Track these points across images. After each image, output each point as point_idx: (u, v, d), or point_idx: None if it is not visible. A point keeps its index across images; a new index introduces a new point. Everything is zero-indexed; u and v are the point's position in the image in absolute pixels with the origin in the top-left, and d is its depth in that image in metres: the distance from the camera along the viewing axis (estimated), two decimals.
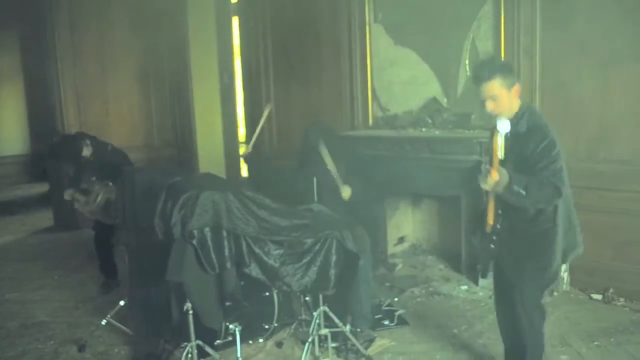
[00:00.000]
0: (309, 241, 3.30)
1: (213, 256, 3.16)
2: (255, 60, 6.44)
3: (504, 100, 2.71)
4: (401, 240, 5.53)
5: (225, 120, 7.45)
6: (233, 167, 7.29)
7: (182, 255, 3.11)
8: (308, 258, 3.29)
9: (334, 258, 3.32)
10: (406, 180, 4.94)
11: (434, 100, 5.10)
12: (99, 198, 4.50)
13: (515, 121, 2.70)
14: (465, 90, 4.93)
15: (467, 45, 4.86)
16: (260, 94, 6.43)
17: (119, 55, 7.17)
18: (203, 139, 7.42)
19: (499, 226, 2.77)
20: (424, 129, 4.97)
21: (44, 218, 7.63)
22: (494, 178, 2.51)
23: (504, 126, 2.59)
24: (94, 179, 4.66)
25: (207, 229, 3.15)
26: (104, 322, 3.90)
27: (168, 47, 7.44)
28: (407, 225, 5.61)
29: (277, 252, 3.27)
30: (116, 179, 4.20)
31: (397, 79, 5.34)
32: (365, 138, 5.17)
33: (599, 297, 4.21)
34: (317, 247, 3.30)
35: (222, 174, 7.26)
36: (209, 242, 3.16)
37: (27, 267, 5.70)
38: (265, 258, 3.25)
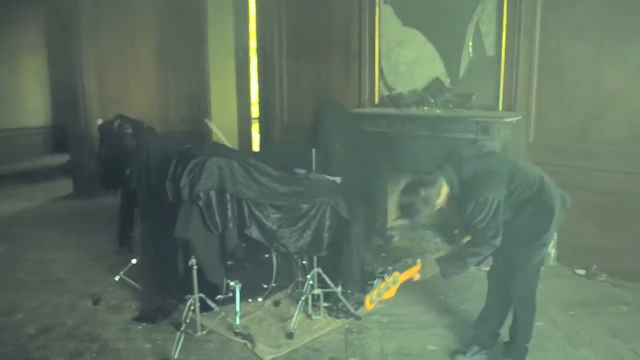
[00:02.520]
0: (305, 206, 3.66)
1: (217, 217, 3.54)
2: (270, 38, 6.77)
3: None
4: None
5: (239, 95, 7.82)
6: (246, 142, 7.68)
7: (189, 215, 3.49)
8: (303, 222, 3.66)
9: (327, 223, 3.68)
10: (407, 157, 5.24)
11: (437, 80, 5.39)
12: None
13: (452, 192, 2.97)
14: (467, 71, 5.21)
15: (471, 28, 5.13)
16: (273, 71, 6.77)
17: (139, 30, 7.54)
18: (218, 114, 7.81)
19: None
20: (425, 108, 5.27)
21: (64, 186, 8.10)
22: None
23: None
24: None
25: (212, 192, 3.52)
26: (117, 278, 4.31)
27: (186, 22, 7.79)
28: None
29: (276, 215, 3.64)
30: None
31: (404, 59, 5.63)
32: (370, 115, 5.48)
33: (582, 272, 4.52)
34: (312, 212, 3.66)
35: (226, 141, 7.68)
36: (214, 203, 3.53)
37: (48, 231, 6.16)
38: (264, 221, 3.62)
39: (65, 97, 7.71)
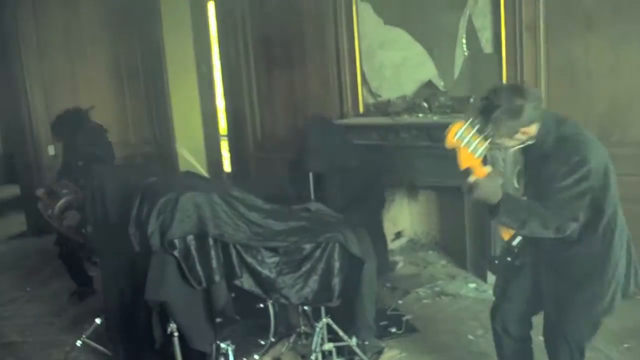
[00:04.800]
0: (308, 246, 2.81)
1: (199, 268, 2.66)
2: (234, 47, 5.88)
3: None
4: (398, 235, 5.08)
5: (205, 113, 6.91)
6: (215, 162, 6.76)
7: (162, 270, 2.61)
8: (308, 266, 2.81)
9: (336, 265, 2.84)
10: (403, 171, 4.50)
11: (429, 83, 4.64)
12: (61, 202, 3.92)
13: (539, 140, 2.22)
14: (462, 72, 4.48)
15: (463, 23, 4.40)
16: (240, 84, 5.89)
17: (87, 46, 6.52)
18: (182, 134, 6.86)
19: (515, 243, 2.30)
20: (420, 115, 4.51)
21: (16, 223, 7.00)
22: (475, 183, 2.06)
23: None
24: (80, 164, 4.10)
25: (190, 238, 2.65)
26: (79, 343, 3.40)
27: (140, 37, 6.82)
28: (403, 219, 5.16)
29: (272, 260, 2.78)
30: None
31: (389, 62, 4.85)
32: (356, 127, 4.70)
33: None
34: (317, 253, 2.82)
35: (204, 171, 6.73)
36: (193, 252, 2.65)
37: None
38: (259, 268, 2.76)
39: (12, 123, 6.64)
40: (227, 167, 6.67)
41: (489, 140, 2.07)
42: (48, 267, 5.33)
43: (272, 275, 2.77)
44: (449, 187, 4.51)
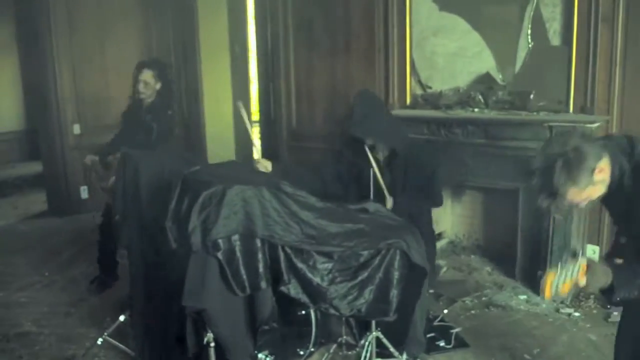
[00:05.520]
0: (366, 253, 2.44)
1: (243, 273, 2.30)
2: (273, 29, 5.49)
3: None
4: (439, 236, 4.68)
5: (236, 96, 6.53)
6: (244, 149, 6.39)
7: (202, 273, 2.25)
8: (364, 275, 2.44)
9: (396, 274, 2.46)
10: (453, 169, 4.09)
11: (487, 75, 4.21)
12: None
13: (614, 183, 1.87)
14: (525, 65, 4.05)
15: (529, 12, 3.97)
16: (277, 68, 5.50)
17: (120, 23, 6.17)
18: (211, 118, 6.50)
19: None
20: (476, 110, 4.10)
21: (38, 201, 6.71)
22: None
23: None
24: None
25: (235, 237, 2.29)
26: (99, 341, 3.07)
27: (173, 13, 6.45)
28: (445, 220, 4.75)
29: (325, 266, 2.41)
30: None
31: (442, 51, 4.43)
32: (405, 119, 4.28)
33: None
34: (376, 261, 2.44)
35: (231, 158, 6.36)
36: (238, 254, 2.29)
37: (15, 261, 4.81)
38: (309, 275, 2.39)
39: (39, 99, 6.33)
40: (256, 154, 6.28)
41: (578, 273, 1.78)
42: (68, 250, 5.04)
43: (324, 284, 2.40)
44: (499, 188, 4.13)
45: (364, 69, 4.83)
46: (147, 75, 3.90)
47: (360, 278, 2.43)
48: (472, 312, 3.62)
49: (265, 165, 3.11)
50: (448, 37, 4.39)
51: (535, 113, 3.82)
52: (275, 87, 5.58)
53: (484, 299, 3.79)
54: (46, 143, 6.22)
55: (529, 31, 4.00)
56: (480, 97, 4.15)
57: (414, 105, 4.55)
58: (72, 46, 5.92)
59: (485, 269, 4.28)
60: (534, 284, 3.81)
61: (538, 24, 3.96)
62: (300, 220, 2.39)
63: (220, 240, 2.23)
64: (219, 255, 2.24)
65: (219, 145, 6.41)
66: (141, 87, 3.88)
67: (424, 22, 4.49)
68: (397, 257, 2.45)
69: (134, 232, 2.80)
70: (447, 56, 4.41)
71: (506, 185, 3.98)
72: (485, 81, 4.21)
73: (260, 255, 2.31)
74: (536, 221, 3.80)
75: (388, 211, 2.69)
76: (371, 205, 2.67)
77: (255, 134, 3.41)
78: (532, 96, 3.99)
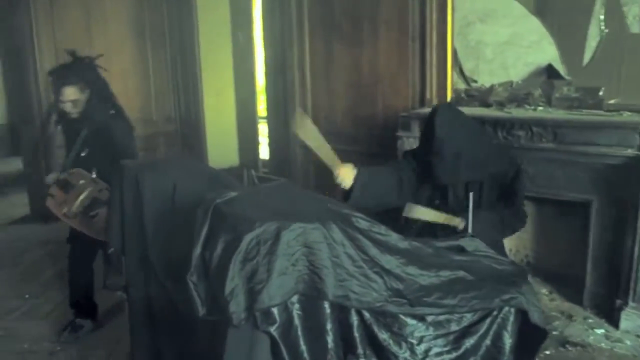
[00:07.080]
0: (470, 316, 1.67)
1: (304, 350, 1.52)
2: (284, 13, 4.67)
3: None
4: None
5: (239, 90, 5.70)
6: (248, 150, 5.58)
7: (247, 351, 1.47)
8: (470, 343, 1.67)
9: (509, 342, 1.71)
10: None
11: (549, 68, 3.47)
12: (83, 196, 2.83)
13: None
14: (596, 55, 3.32)
15: None
16: (290, 59, 4.69)
17: (107, 3, 5.30)
18: (212, 115, 5.66)
19: None
20: (540, 108, 3.35)
21: (19, 204, 5.81)
22: None
23: None
24: (83, 154, 2.99)
25: (294, 300, 1.50)
26: None
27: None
28: None
29: (417, 335, 1.64)
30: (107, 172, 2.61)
31: (491, 39, 3.68)
32: None
33: None
34: (485, 325, 1.68)
35: (234, 158, 5.56)
36: (297, 323, 1.51)
37: None
38: (394, 347, 1.61)
39: (20, 90, 5.43)
40: (262, 154, 5.50)
41: None
42: (52, 265, 4.20)
43: (416, 358, 1.63)
44: (561, 200, 3.40)
45: (395, 60, 4.04)
46: (71, 92, 2.93)
47: (462, 349, 1.66)
48: (547, 352, 2.89)
49: (344, 178, 2.31)
50: (499, 23, 3.63)
51: (615, 113, 3.09)
52: (286, 80, 4.76)
53: (554, 332, 3.06)
54: (27, 138, 5.34)
55: (602, 16, 3.26)
56: (539, 93, 3.41)
57: (457, 102, 3.77)
58: (56, 37, 5.04)
59: (542, 292, 3.55)
60: (611, 315, 3.11)
61: (613, 7, 3.23)
62: (382, 269, 1.61)
63: (275, 310, 1.44)
64: (273, 331, 1.45)
65: (220, 146, 5.60)
66: (69, 107, 2.98)
67: (469, 5, 3.73)
68: (511, 318, 1.69)
69: (136, 272, 2.00)
70: (496, 45, 3.66)
71: (576, 197, 3.25)
72: (546, 74, 3.47)
73: (329, 326, 1.52)
74: (616, 239, 3.09)
75: (488, 248, 1.91)
76: (468, 242, 1.88)
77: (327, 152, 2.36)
78: (601, 92, 3.26)
